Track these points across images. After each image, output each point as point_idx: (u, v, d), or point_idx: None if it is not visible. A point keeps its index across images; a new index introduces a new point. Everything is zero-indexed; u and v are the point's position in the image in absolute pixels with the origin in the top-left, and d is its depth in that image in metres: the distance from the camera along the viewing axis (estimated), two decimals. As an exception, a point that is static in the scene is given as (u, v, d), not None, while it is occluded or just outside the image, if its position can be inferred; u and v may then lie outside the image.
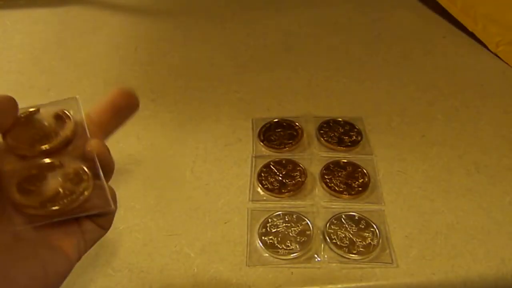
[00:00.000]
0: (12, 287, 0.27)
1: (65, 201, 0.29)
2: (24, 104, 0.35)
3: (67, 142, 0.31)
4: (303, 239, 0.45)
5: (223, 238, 0.46)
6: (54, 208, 0.29)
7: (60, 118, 0.32)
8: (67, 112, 0.32)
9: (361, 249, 0.45)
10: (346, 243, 0.45)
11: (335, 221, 0.47)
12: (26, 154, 0.30)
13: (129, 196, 0.50)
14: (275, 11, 0.79)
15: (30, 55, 0.70)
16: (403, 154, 0.54)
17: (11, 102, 0.31)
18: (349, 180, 0.51)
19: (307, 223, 0.47)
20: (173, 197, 0.50)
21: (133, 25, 0.76)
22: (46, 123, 0.32)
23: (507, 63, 0.68)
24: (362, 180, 0.51)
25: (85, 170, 0.30)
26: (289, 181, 0.50)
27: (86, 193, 0.29)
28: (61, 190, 0.30)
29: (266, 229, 0.46)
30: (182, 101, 0.62)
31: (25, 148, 0.30)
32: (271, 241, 0.45)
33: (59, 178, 0.30)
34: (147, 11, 0.80)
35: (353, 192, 0.50)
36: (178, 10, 0.80)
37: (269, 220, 0.47)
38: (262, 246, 0.45)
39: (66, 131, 0.31)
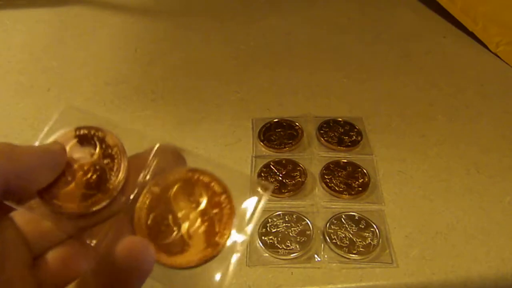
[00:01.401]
0: None
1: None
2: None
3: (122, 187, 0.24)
4: (303, 239, 0.45)
5: (223, 238, 0.46)
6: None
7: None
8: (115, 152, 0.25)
9: (361, 249, 0.45)
10: (346, 243, 0.45)
11: (335, 221, 0.47)
12: (76, 212, 0.24)
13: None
14: (275, 11, 0.79)
15: (30, 55, 0.70)
16: (403, 154, 0.54)
17: (62, 157, 0.25)
18: (349, 180, 0.51)
19: (307, 223, 0.47)
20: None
21: (133, 25, 0.76)
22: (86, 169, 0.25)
23: (507, 63, 0.68)
24: (362, 180, 0.51)
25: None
26: (289, 181, 0.50)
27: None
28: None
29: (266, 229, 0.46)
30: (182, 101, 0.62)
31: (75, 206, 0.24)
32: (271, 241, 0.45)
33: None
34: (147, 11, 0.80)
35: (353, 192, 0.50)
36: (178, 10, 0.80)
37: (269, 220, 0.47)
38: (262, 246, 0.45)
39: (119, 175, 0.25)
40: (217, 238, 0.23)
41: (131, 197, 0.24)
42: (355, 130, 0.56)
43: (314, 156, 0.54)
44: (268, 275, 0.43)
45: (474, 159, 0.54)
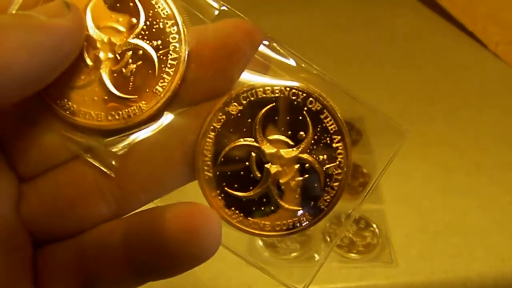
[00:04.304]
0: None
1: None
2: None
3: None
4: (303, 238, 0.45)
5: (223, 237, 0.46)
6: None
7: None
8: None
9: (361, 248, 0.45)
10: (346, 243, 0.45)
11: (335, 221, 0.47)
12: (98, 126, 0.15)
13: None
14: (275, 11, 0.79)
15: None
16: (403, 154, 0.54)
17: (79, 33, 0.14)
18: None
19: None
20: (173, 197, 0.50)
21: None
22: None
23: (506, 63, 0.68)
24: (362, 180, 0.51)
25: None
26: (289, 181, 0.50)
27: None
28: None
29: (266, 229, 0.46)
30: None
31: (100, 116, 0.15)
32: (271, 240, 0.45)
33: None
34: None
35: (353, 192, 0.50)
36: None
37: (269, 219, 0.47)
38: (262, 246, 0.45)
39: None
40: None
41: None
42: (355, 130, 0.56)
43: (314, 156, 0.54)
44: (268, 274, 0.43)
45: (474, 159, 0.54)
